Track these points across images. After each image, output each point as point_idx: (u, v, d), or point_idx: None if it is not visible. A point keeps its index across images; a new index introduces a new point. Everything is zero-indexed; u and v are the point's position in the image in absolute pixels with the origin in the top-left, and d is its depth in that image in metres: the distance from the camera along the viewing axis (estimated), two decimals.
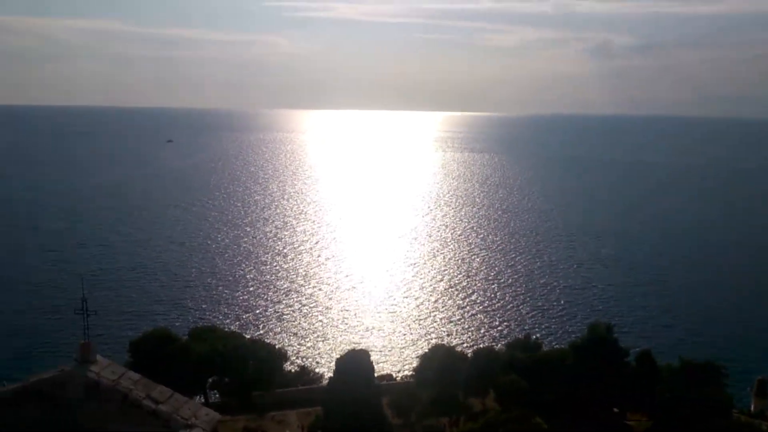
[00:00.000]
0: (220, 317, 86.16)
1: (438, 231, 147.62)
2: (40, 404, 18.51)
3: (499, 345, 67.55)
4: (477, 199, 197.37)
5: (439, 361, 45.79)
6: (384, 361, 72.37)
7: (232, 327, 76.79)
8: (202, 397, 46.76)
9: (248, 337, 60.80)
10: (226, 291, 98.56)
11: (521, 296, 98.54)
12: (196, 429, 18.96)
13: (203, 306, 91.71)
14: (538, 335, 77.87)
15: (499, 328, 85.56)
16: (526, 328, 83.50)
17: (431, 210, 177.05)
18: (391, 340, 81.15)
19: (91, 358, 19.25)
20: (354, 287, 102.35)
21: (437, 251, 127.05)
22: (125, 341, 49.95)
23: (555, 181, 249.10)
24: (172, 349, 44.96)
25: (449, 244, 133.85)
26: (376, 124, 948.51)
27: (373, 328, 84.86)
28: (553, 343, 75.29)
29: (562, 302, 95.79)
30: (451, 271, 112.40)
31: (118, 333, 73.56)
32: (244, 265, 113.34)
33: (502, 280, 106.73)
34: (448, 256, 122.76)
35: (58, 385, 18.70)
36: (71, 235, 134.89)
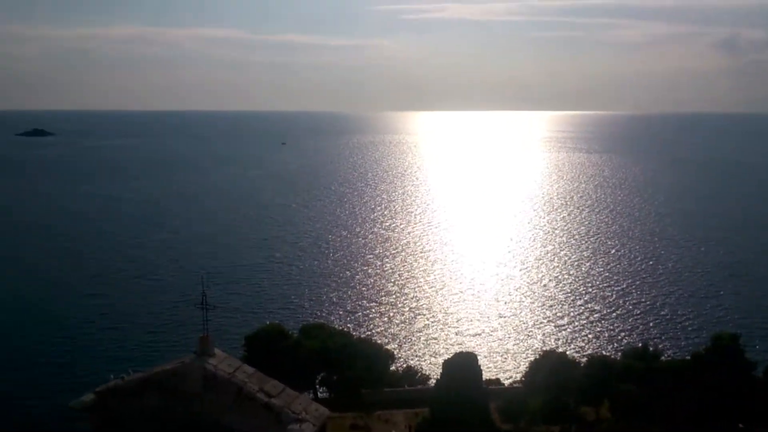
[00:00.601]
0: (330, 315, 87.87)
1: (552, 234, 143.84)
2: (161, 394, 19.38)
3: (614, 353, 64.87)
4: (594, 202, 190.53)
5: (549, 368, 44.52)
6: (492, 366, 71.28)
7: (341, 325, 78.09)
8: (312, 393, 47.75)
9: (356, 336, 61.60)
10: (336, 290, 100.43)
11: (639, 303, 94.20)
12: (306, 423, 19.22)
13: (314, 304, 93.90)
14: (656, 344, 74.09)
15: (614, 335, 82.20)
16: (643, 336, 79.76)
17: (545, 212, 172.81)
18: (499, 344, 79.81)
19: (209, 351, 19.94)
20: (463, 290, 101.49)
21: (550, 255, 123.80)
22: (241, 336, 51.80)
23: (681, 183, 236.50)
24: (284, 345, 46.21)
25: (563, 247, 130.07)
26: (488, 124, 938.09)
27: (482, 331, 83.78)
28: (673, 353, 71.46)
29: (684, 311, 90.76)
30: (564, 275, 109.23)
31: (234, 328, 76.56)
32: (353, 266, 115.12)
33: (618, 286, 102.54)
34: (561, 260, 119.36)
35: (179, 376, 19.49)
36: (191, 233, 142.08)
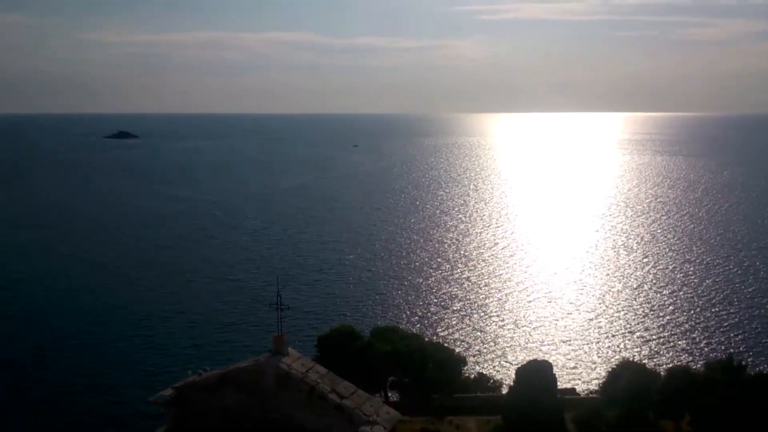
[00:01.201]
0: (402, 318, 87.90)
1: (635, 240, 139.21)
2: (236, 391, 19.76)
3: (697, 365, 62.22)
4: (678, 207, 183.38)
5: (627, 379, 42.96)
6: (567, 375, 69.63)
7: (412, 329, 77.98)
8: (382, 396, 47.75)
9: (428, 339, 61.29)
10: (408, 293, 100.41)
11: (726, 315, 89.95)
12: (377, 426, 19.19)
13: (386, 306, 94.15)
14: (743, 357, 70.61)
15: (697, 346, 78.83)
16: (728, 349, 76.23)
17: (628, 218, 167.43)
18: (575, 353, 77.84)
19: (283, 351, 20.19)
20: (538, 297, 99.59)
21: (631, 262, 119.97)
22: (313, 336, 52.36)
23: None
24: (355, 347, 46.35)
25: (646, 254, 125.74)
26: (565, 126, 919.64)
27: (557, 339, 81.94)
28: (762, 369, 67.95)
29: None
30: (645, 283, 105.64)
31: (307, 328, 77.64)
32: (426, 269, 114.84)
33: (704, 296, 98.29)
34: (641, 267, 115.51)
35: (254, 374, 19.83)
36: (266, 234, 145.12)
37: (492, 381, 55.82)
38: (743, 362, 61.57)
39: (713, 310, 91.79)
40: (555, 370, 41.35)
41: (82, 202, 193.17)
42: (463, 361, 51.10)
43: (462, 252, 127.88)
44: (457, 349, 60.31)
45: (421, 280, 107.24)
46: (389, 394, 49.21)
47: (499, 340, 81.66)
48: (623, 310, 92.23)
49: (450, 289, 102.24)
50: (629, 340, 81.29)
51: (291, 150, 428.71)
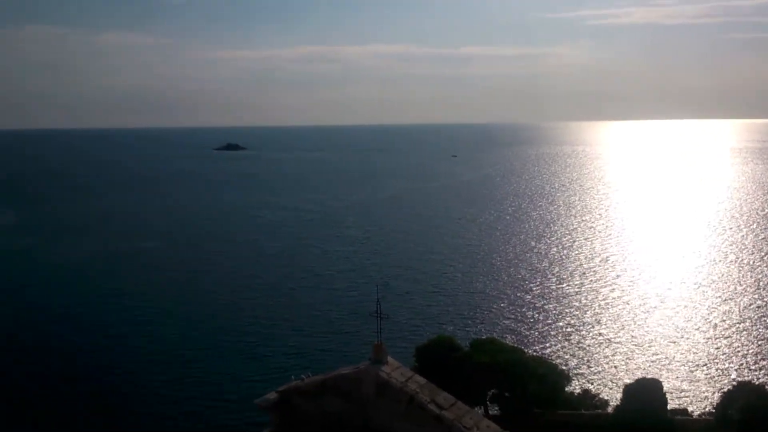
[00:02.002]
0: (502, 331, 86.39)
1: (752, 255, 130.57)
2: (338, 397, 19.93)
3: None
4: None
5: (744, 400, 40.32)
6: (678, 395, 66.03)
7: (513, 341, 76.44)
8: (482, 409, 47.00)
9: (529, 353, 59.91)
10: (509, 305, 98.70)
11: None
12: None
13: (486, 318, 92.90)
14: None
15: None
16: None
17: (745, 231, 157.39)
18: (687, 372, 73.79)
19: (383, 359, 20.19)
20: (648, 311, 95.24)
21: (748, 278, 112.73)
22: (412, 345, 52.35)
23: None
24: (454, 358, 45.93)
25: (766, 270, 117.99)
26: (679, 134, 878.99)
27: (668, 357, 77.97)
28: None
29: None
30: (765, 300, 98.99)
31: (405, 337, 77.74)
32: (528, 281, 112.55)
33: None
34: (761, 284, 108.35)
35: (355, 381, 19.93)
36: (367, 244, 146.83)
37: (597, 398, 53.83)
38: None
39: None
40: (666, 388, 39.44)
41: (191, 212, 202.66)
42: (566, 377, 49.62)
43: (566, 265, 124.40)
44: (561, 364, 58.61)
45: (522, 294, 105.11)
46: (489, 408, 48.38)
47: (605, 356, 78.67)
48: (741, 329, 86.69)
49: (553, 304, 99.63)
50: (747, 360, 76.26)
51: (390, 160, 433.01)
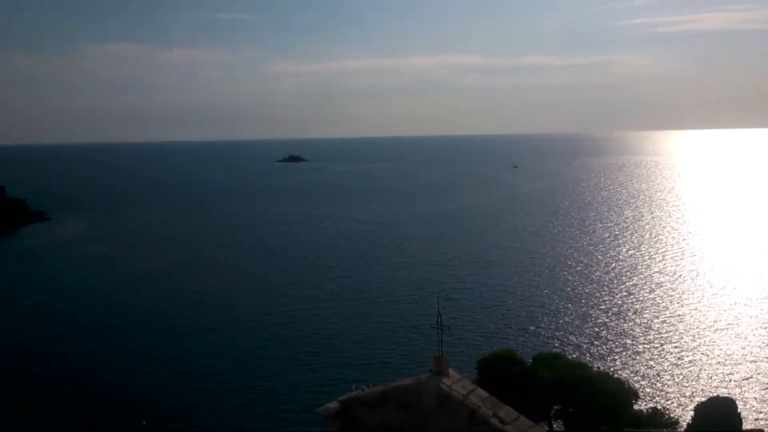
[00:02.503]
0: (566, 345, 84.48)
1: None
2: (398, 408, 19.75)
3: None
4: None
5: None
6: (754, 415, 63.10)
7: (578, 357, 74.66)
8: (546, 425, 45.95)
9: (595, 369, 58.33)
10: (573, 319, 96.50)
11: None
12: None
13: (549, 332, 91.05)
14: None
15: None
16: None
17: None
18: (763, 391, 70.47)
19: (444, 371, 19.92)
20: (721, 329, 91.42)
21: None
22: (473, 358, 51.76)
23: None
24: (517, 372, 45.12)
25: None
26: (747, 143, 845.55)
27: (742, 376, 74.61)
28: None
29: None
30: None
31: (466, 350, 76.91)
32: (594, 295, 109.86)
33: None
34: None
35: (415, 392, 19.72)
36: (427, 255, 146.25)
37: (667, 417, 51.90)
38: None
39: None
40: (740, 408, 37.68)
41: (256, 223, 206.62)
42: (635, 394, 48.02)
43: (635, 278, 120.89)
44: (629, 381, 56.76)
45: (587, 309, 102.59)
46: (554, 424, 47.27)
47: (675, 374, 75.88)
48: None
49: (619, 319, 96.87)
50: None
51: (451, 171, 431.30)
